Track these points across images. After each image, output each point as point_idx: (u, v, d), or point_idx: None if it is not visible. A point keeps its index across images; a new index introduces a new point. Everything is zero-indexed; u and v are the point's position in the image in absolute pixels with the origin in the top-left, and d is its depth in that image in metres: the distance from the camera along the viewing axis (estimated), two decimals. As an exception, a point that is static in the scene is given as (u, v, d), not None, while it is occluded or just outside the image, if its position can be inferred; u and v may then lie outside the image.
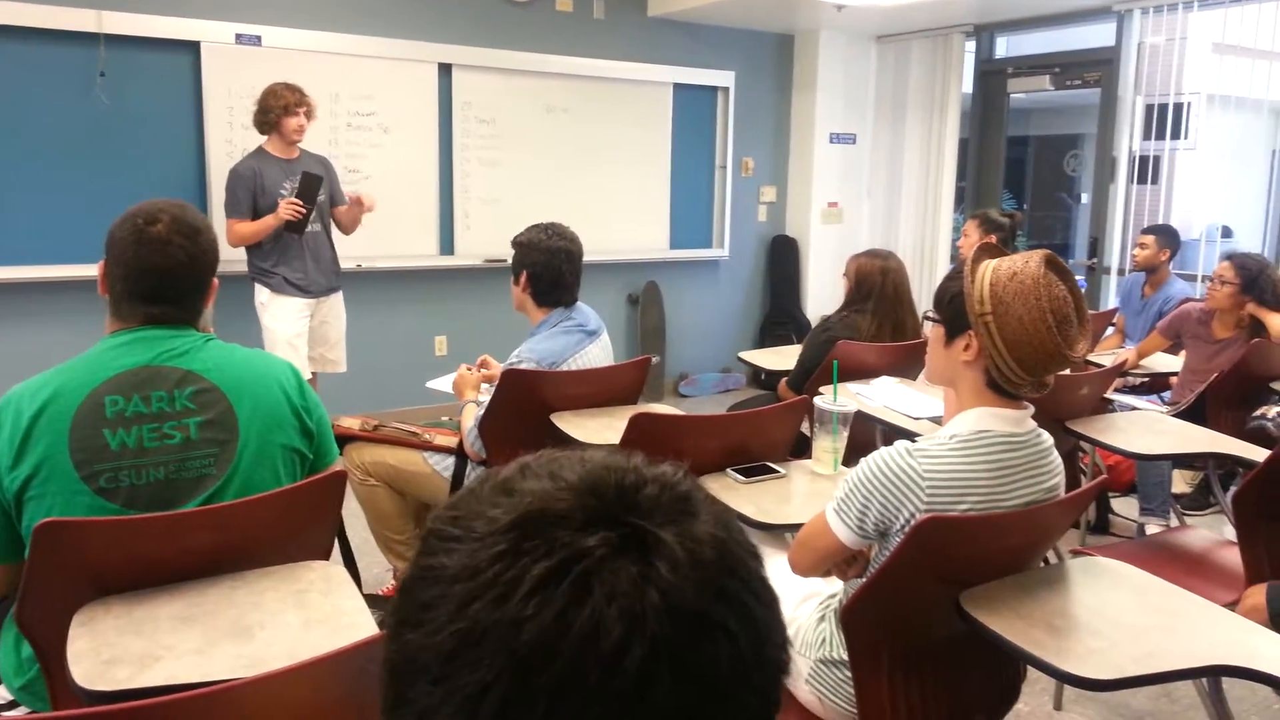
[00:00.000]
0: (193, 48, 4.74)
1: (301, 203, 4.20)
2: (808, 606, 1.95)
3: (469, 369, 3.17)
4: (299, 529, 1.76)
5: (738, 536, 0.59)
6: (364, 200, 4.44)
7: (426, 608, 0.54)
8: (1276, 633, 1.68)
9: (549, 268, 2.96)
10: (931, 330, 1.83)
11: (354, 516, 3.14)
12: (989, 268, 1.69)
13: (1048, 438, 1.78)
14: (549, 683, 0.50)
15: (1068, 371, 2.27)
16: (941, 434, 1.73)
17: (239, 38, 4.82)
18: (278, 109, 4.25)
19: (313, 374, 4.56)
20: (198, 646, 1.43)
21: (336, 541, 2.01)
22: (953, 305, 1.74)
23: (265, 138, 4.34)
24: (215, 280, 1.83)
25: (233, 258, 4.41)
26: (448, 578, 0.54)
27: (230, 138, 4.84)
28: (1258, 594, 2.05)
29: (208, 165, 4.82)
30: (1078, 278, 1.95)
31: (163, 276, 1.71)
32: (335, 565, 1.76)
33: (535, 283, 2.98)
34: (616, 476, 0.58)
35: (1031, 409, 1.75)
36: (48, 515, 1.55)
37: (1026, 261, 1.66)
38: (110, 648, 1.41)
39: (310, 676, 1.21)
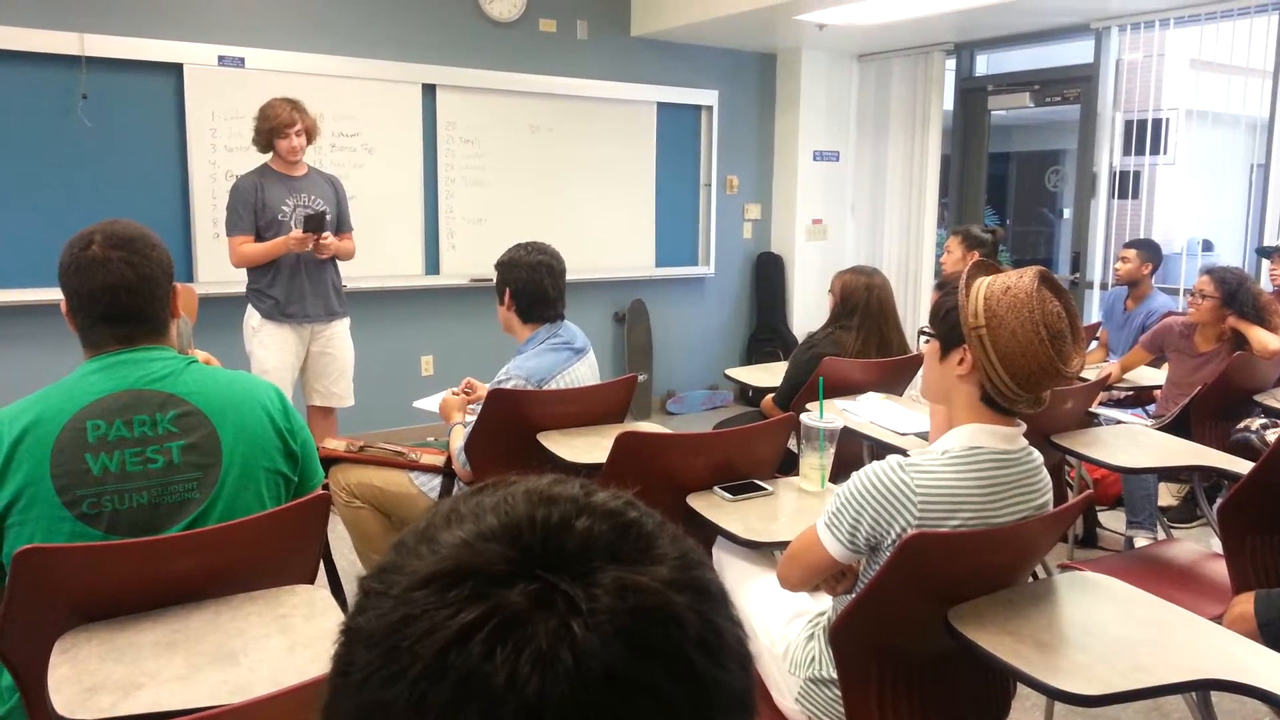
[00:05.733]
0: (175, 70, 4.73)
1: (312, 236, 3.98)
2: (797, 624, 1.94)
3: (454, 393, 3.17)
4: (283, 553, 1.74)
5: (692, 576, 0.53)
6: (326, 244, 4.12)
7: (342, 673, 0.51)
8: (1264, 641, 1.69)
9: (530, 283, 2.97)
10: (927, 346, 1.84)
11: (341, 539, 3.12)
12: (984, 283, 1.70)
13: (1038, 455, 1.79)
14: None
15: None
16: (934, 449, 1.73)
17: (222, 60, 4.82)
18: (265, 130, 4.03)
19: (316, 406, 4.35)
20: (181, 673, 1.41)
21: (322, 565, 2.00)
22: (947, 320, 1.75)
23: (269, 155, 4.11)
24: (179, 285, 1.81)
25: (227, 278, 4.40)
26: (361, 640, 0.51)
27: (214, 160, 4.83)
28: (1245, 603, 2.05)
29: (190, 187, 4.81)
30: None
31: (113, 294, 1.69)
32: (320, 589, 1.74)
33: (519, 299, 2.99)
34: (544, 515, 0.53)
35: (1024, 426, 1.76)
36: (29, 542, 1.54)
37: (1020, 276, 1.67)
38: (92, 675, 1.39)
39: (295, 702, 1.20)
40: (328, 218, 4.09)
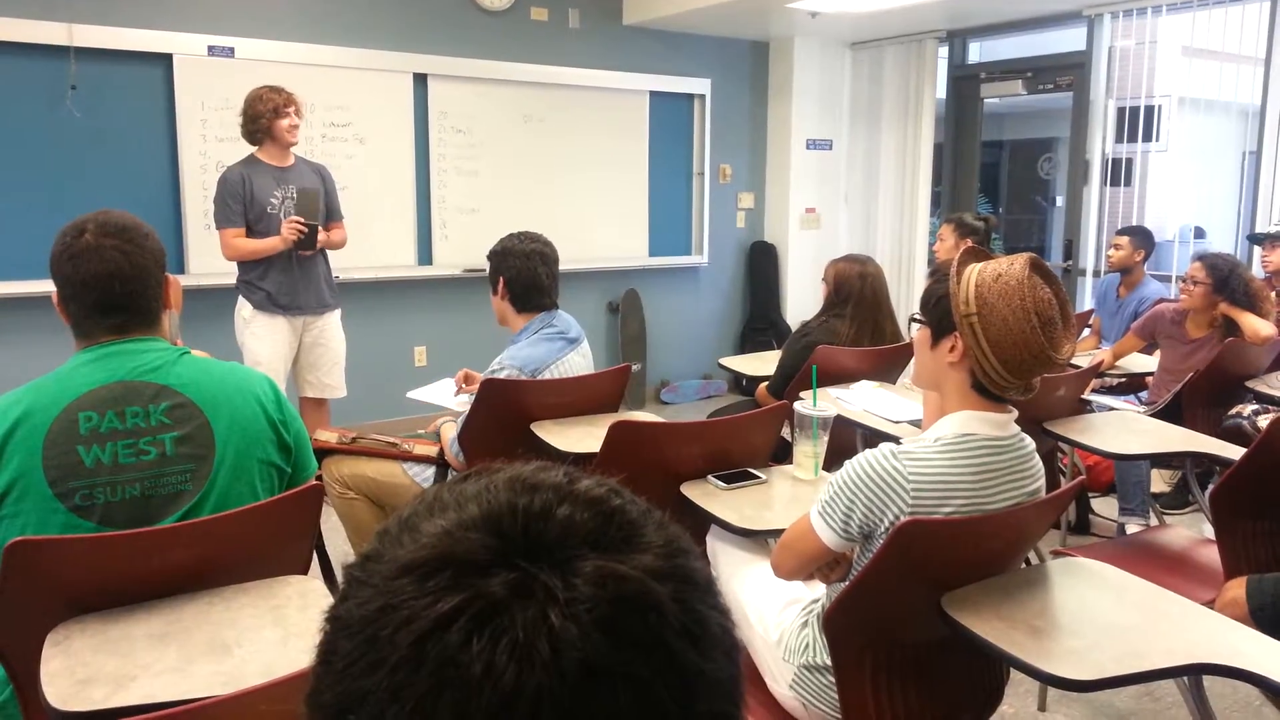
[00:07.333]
0: (165, 60, 4.70)
1: (302, 220, 3.93)
2: (791, 612, 1.95)
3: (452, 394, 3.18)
4: (276, 544, 1.74)
5: (676, 564, 0.52)
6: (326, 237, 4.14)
7: (325, 661, 0.51)
8: (1255, 626, 1.69)
9: (525, 271, 2.97)
10: (918, 333, 1.84)
11: (334, 530, 3.12)
12: (974, 270, 1.70)
13: (1030, 442, 1.79)
14: None
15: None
16: (926, 437, 1.74)
17: (211, 50, 4.79)
18: (268, 113, 3.96)
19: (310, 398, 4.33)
20: (174, 664, 1.41)
21: (316, 556, 2.00)
22: (939, 307, 1.75)
23: (256, 147, 4.06)
24: (169, 276, 1.80)
25: (218, 269, 4.38)
26: (342, 629, 0.51)
27: (204, 150, 4.81)
28: (1237, 588, 2.05)
29: (181, 178, 4.78)
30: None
31: (106, 282, 1.68)
32: (313, 580, 1.74)
33: (513, 287, 2.98)
34: (525, 503, 0.53)
35: (1015, 413, 1.76)
36: (21, 534, 1.53)
37: (1011, 264, 1.67)
38: (85, 667, 1.39)
39: (289, 692, 1.19)
40: (319, 194, 4.05)
